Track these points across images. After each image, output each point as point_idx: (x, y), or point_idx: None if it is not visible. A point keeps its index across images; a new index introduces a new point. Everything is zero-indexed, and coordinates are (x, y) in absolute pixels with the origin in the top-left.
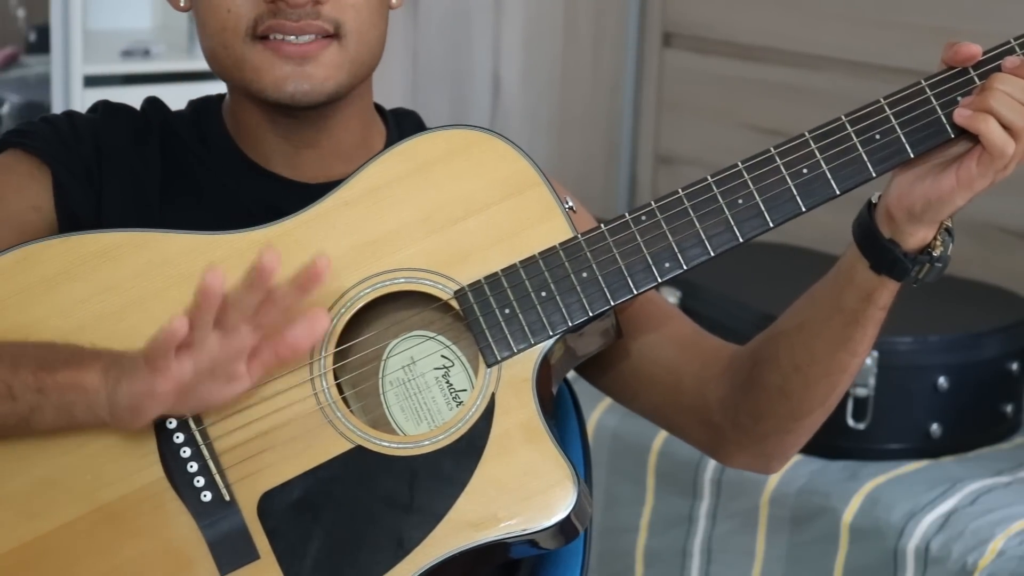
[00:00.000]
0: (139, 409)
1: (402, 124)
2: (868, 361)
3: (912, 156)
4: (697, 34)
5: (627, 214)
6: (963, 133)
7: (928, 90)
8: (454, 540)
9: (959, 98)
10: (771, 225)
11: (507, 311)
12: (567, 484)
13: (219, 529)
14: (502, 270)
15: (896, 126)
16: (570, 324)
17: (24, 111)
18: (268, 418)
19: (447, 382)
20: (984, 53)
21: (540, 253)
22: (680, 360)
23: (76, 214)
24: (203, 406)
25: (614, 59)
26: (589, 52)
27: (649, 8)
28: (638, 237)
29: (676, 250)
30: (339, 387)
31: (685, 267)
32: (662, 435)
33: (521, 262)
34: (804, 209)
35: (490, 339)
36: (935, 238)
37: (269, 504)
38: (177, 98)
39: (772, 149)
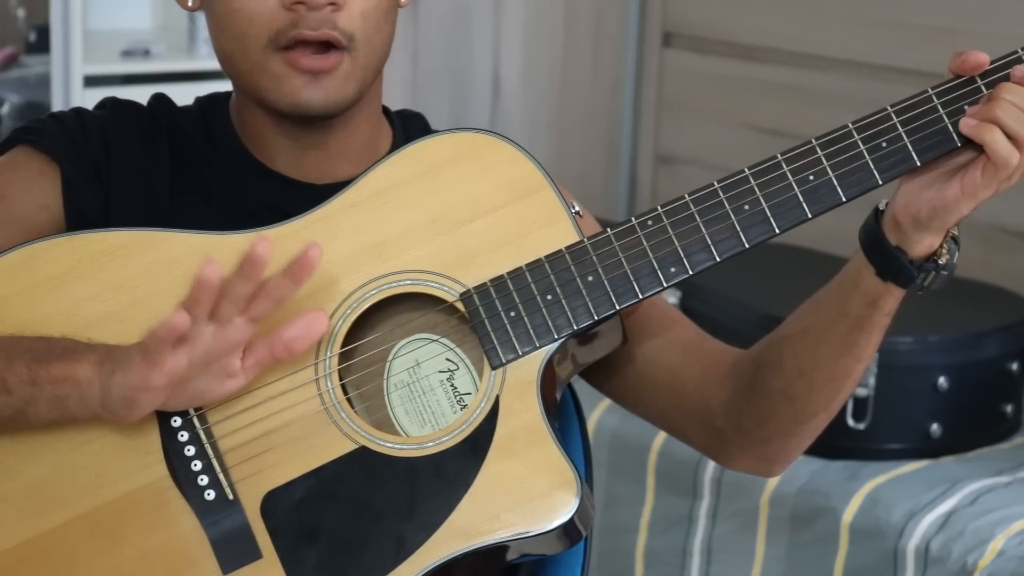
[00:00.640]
0: (133, 401)
1: (408, 126)
2: None
3: (919, 164)
4: (697, 34)
5: (633, 219)
6: (969, 142)
7: (935, 98)
8: (457, 542)
9: (966, 107)
10: (777, 232)
11: (512, 314)
12: (570, 487)
13: (222, 528)
14: (508, 273)
15: (903, 134)
16: (575, 328)
17: (24, 111)
18: (272, 418)
19: (452, 385)
20: (992, 62)
21: (546, 256)
22: (683, 364)
23: (84, 213)
24: (198, 401)
25: (614, 59)
26: (589, 52)
27: (649, 8)
28: (644, 242)
29: (682, 255)
30: (344, 388)
31: (691, 272)
32: (662, 435)
33: (527, 265)
34: (810, 216)
35: (495, 342)
36: (941, 246)
37: (272, 503)
38: (177, 98)
39: (779, 156)
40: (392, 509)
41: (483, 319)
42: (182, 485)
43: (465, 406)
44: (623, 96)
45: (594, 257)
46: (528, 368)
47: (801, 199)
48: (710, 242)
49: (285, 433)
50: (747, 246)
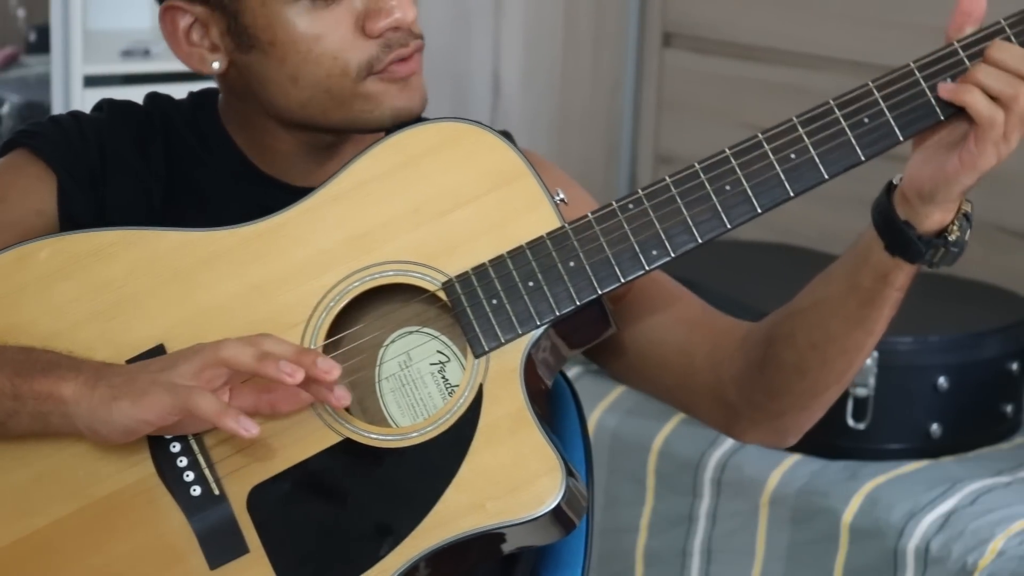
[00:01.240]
0: (133, 432)
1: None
2: (868, 361)
3: (901, 139)
4: (697, 34)
5: (614, 203)
6: (955, 114)
7: (917, 72)
8: (443, 531)
9: (949, 80)
10: (759, 211)
11: (494, 301)
12: (555, 474)
13: (208, 523)
14: (489, 261)
15: (885, 109)
16: (557, 313)
17: (24, 111)
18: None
19: (443, 377)
20: (974, 33)
21: (527, 243)
22: (691, 341)
23: (79, 221)
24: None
25: (614, 59)
26: (589, 52)
27: (649, 8)
28: (625, 225)
29: (664, 238)
30: None
31: (673, 254)
32: (662, 435)
33: (508, 252)
34: (792, 194)
35: (477, 329)
36: (952, 222)
37: (259, 498)
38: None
39: (760, 135)
40: (378, 500)
41: (465, 307)
42: (168, 482)
43: None
44: (623, 96)
45: (575, 242)
46: (511, 356)
47: (783, 178)
48: (691, 224)
49: (270, 427)
50: (729, 227)
